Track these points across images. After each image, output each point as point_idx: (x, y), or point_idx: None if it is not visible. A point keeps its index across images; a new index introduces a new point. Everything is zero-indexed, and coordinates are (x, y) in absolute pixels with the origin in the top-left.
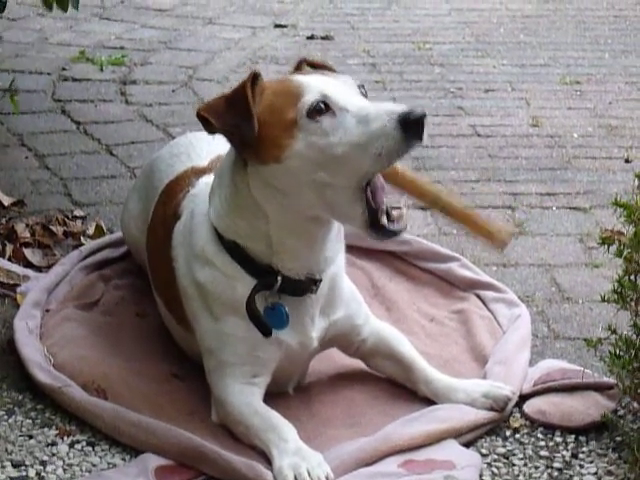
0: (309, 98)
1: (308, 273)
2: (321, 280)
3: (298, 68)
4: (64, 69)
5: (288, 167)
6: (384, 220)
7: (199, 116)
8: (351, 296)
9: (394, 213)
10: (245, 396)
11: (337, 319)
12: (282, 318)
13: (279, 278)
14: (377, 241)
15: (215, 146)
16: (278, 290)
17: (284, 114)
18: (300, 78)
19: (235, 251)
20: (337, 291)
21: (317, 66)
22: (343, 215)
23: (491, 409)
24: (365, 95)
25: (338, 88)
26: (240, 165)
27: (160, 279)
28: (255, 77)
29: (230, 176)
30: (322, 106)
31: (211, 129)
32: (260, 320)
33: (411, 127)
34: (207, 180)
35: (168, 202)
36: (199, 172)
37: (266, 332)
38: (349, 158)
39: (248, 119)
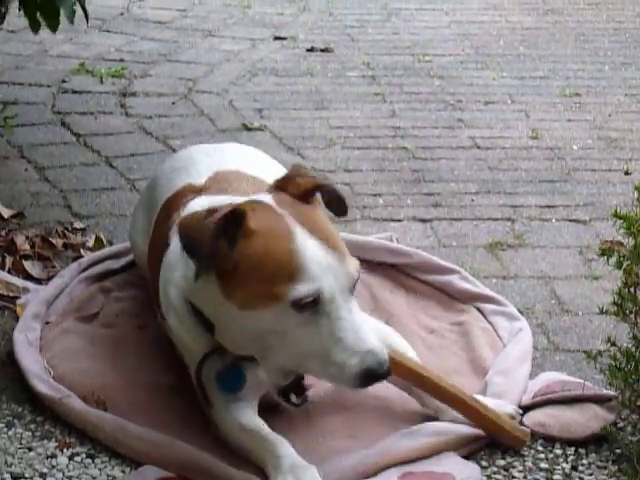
0: (302, 290)
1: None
2: None
3: (305, 195)
4: (64, 81)
5: (244, 318)
6: (293, 398)
7: (177, 226)
8: None
9: (304, 395)
10: (233, 414)
11: None
12: (238, 381)
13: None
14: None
15: (215, 161)
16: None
17: (269, 284)
18: (302, 252)
19: (195, 310)
20: None
21: (332, 199)
22: (264, 369)
23: None
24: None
25: (339, 286)
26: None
27: (156, 295)
28: (240, 214)
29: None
30: (310, 302)
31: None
32: (202, 392)
33: (368, 380)
34: (198, 204)
35: (164, 221)
36: (195, 190)
37: (207, 404)
38: (302, 355)
39: (206, 262)
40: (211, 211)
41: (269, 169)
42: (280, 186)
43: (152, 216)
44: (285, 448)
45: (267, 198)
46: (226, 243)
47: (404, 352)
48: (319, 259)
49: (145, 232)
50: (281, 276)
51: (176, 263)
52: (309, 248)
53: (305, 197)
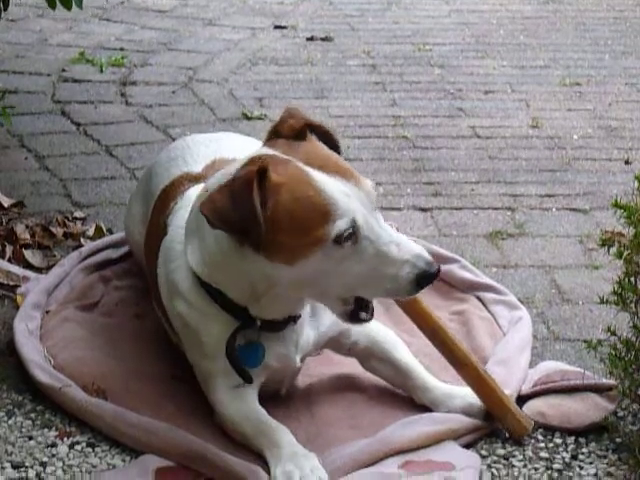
0: (340, 225)
1: (287, 315)
2: (300, 315)
3: (300, 133)
4: (64, 70)
5: (297, 272)
6: (363, 315)
7: (202, 213)
8: None
9: (370, 306)
10: (235, 402)
11: (325, 328)
12: (257, 357)
13: (258, 321)
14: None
15: (212, 150)
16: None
17: (308, 232)
18: (328, 189)
19: (213, 292)
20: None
21: (321, 132)
22: (327, 306)
23: (488, 416)
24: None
25: (365, 209)
26: (235, 243)
27: (153, 288)
28: (262, 173)
29: (215, 239)
30: (350, 233)
31: (214, 227)
32: (239, 368)
33: (424, 281)
34: (194, 192)
35: (161, 210)
36: (192, 179)
37: (246, 379)
38: (357, 283)
39: (256, 228)
40: (228, 184)
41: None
42: (274, 132)
43: (149, 206)
44: (286, 436)
45: (266, 150)
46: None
47: (394, 349)
48: (343, 191)
49: (141, 222)
50: (317, 220)
51: (179, 250)
52: (330, 184)
53: (300, 136)
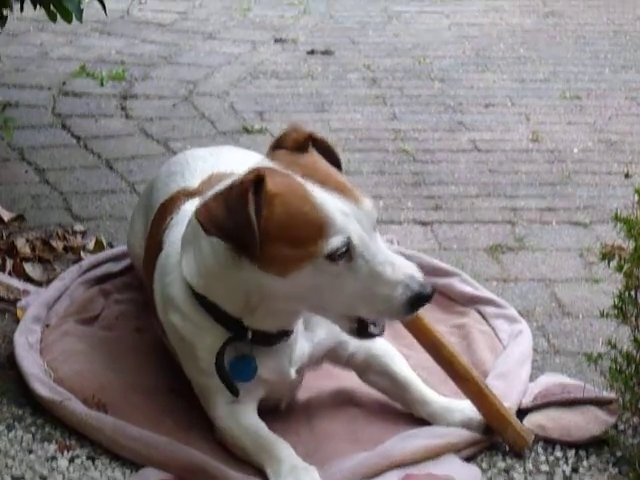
0: (334, 243)
1: (280, 329)
2: (292, 331)
3: (303, 146)
4: (64, 84)
5: (289, 285)
6: (372, 329)
7: (196, 219)
8: None
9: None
10: (234, 417)
11: (320, 340)
12: (249, 370)
13: (249, 333)
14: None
15: (209, 165)
16: (249, 341)
17: (301, 245)
18: (324, 206)
19: (206, 304)
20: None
21: (323, 148)
22: (333, 322)
23: (487, 429)
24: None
25: (363, 228)
26: (231, 253)
27: (152, 304)
28: (258, 182)
29: (212, 249)
30: (344, 251)
31: (209, 234)
32: (227, 381)
33: (417, 304)
34: (190, 207)
35: (159, 225)
36: (189, 194)
37: (233, 392)
38: (350, 301)
39: (250, 237)
40: (224, 192)
41: None
42: (277, 144)
43: (148, 221)
44: (285, 450)
45: (266, 162)
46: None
47: (392, 362)
48: (341, 209)
49: (142, 237)
50: (311, 235)
51: (174, 264)
52: (328, 201)
53: (302, 149)
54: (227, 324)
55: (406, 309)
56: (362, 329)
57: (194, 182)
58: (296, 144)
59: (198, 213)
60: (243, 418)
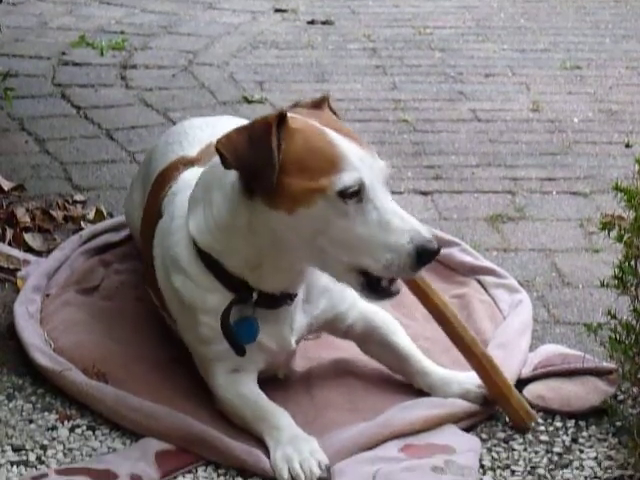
0: (347, 179)
1: (284, 290)
2: (296, 294)
3: (319, 104)
4: (64, 53)
5: (297, 222)
6: (384, 284)
7: (217, 150)
8: (330, 284)
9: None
10: (234, 386)
11: (319, 312)
12: (251, 332)
13: (254, 294)
14: (370, 301)
15: (207, 134)
16: (253, 304)
17: (315, 178)
18: (341, 145)
19: (211, 263)
20: (314, 284)
21: (333, 112)
22: (336, 277)
23: (485, 401)
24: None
25: (376, 177)
26: (243, 194)
27: (148, 272)
28: (281, 119)
29: (224, 198)
30: (355, 190)
31: (228, 166)
32: (233, 340)
33: (424, 257)
34: (189, 175)
35: (157, 194)
36: (187, 163)
37: (239, 352)
38: (356, 248)
39: (270, 166)
40: (247, 126)
41: None
42: (294, 105)
43: (146, 190)
44: (285, 419)
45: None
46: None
47: (392, 333)
48: (354, 151)
49: (140, 206)
50: (325, 168)
51: (178, 227)
52: (345, 143)
53: (318, 108)
54: (231, 285)
55: (413, 261)
56: (373, 285)
57: (192, 151)
58: (313, 103)
59: (219, 143)
60: (243, 387)
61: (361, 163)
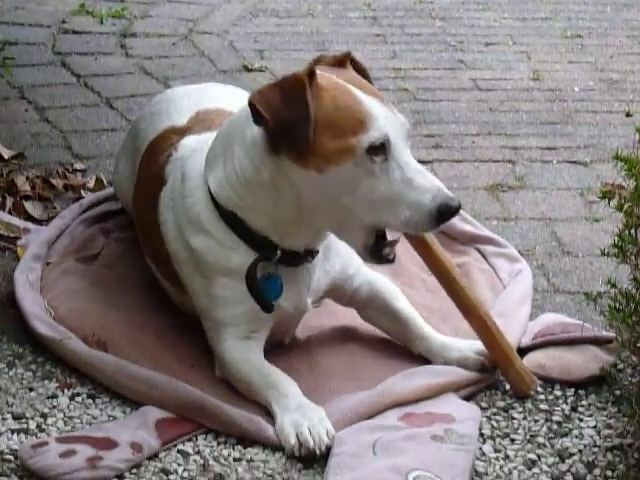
0: (375, 136)
1: (307, 246)
2: (318, 251)
3: (341, 61)
4: (64, 22)
5: (325, 181)
6: (387, 251)
7: (251, 105)
8: (343, 245)
9: (393, 241)
10: (243, 353)
11: (335, 273)
12: (276, 288)
13: (278, 251)
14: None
15: (194, 102)
16: (276, 261)
17: (344, 136)
18: (367, 103)
19: (233, 221)
20: (331, 245)
21: (358, 69)
22: (347, 237)
23: (483, 368)
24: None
25: (399, 134)
26: (268, 150)
27: (149, 243)
28: (312, 75)
29: (246, 153)
30: (381, 148)
31: (260, 121)
32: (261, 296)
33: (445, 214)
34: (189, 142)
35: (151, 164)
36: (178, 132)
37: (267, 308)
38: (379, 206)
39: (306, 122)
40: (276, 84)
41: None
42: (316, 62)
43: (135, 162)
44: (293, 387)
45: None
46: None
47: (394, 299)
48: (379, 108)
49: (129, 178)
50: (355, 127)
51: (193, 188)
52: (371, 101)
53: (340, 65)
54: (254, 243)
55: (434, 217)
56: (377, 250)
57: (182, 120)
58: (335, 60)
59: (253, 97)
60: (251, 354)
61: (386, 121)
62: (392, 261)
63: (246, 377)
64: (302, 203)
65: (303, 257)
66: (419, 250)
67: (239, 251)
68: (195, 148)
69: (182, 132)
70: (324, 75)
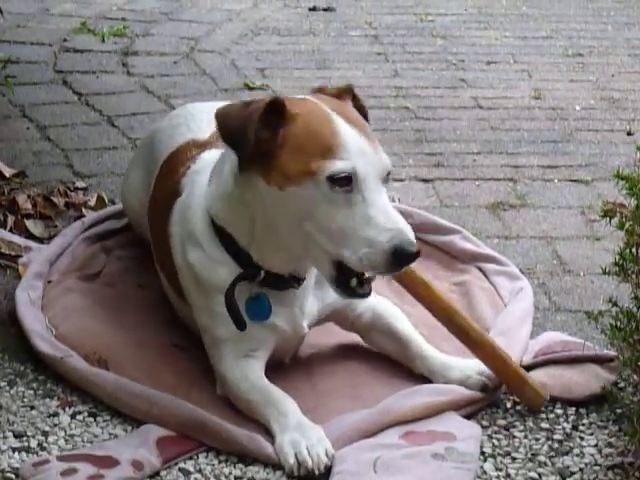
0: (339, 166)
1: (290, 272)
2: (304, 279)
3: (341, 93)
4: (65, 40)
5: (286, 200)
6: (354, 283)
7: (215, 116)
8: None
9: (365, 277)
10: (243, 371)
11: (331, 300)
12: (264, 309)
13: (262, 272)
14: (340, 297)
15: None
16: (261, 283)
17: (309, 160)
18: (344, 133)
19: (224, 237)
20: None
21: (357, 105)
22: (314, 264)
23: (484, 388)
24: (386, 181)
25: (371, 170)
26: (238, 164)
27: (161, 253)
28: (278, 103)
29: (230, 169)
30: (345, 179)
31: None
32: (235, 313)
33: (400, 257)
34: (208, 156)
35: (169, 176)
36: (200, 145)
37: (240, 326)
38: (337, 237)
39: (245, 139)
40: (247, 103)
41: None
42: (317, 90)
43: (151, 174)
44: (292, 406)
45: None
46: (268, 131)
47: (395, 320)
48: (355, 141)
49: (143, 190)
50: (319, 152)
51: (196, 202)
52: (346, 130)
53: (340, 97)
54: (240, 260)
55: (388, 260)
56: (343, 282)
57: (202, 134)
58: (336, 92)
59: (215, 114)
60: (252, 373)
61: (359, 154)
62: (364, 296)
63: (245, 395)
64: (270, 222)
65: (288, 282)
66: (408, 288)
67: (226, 266)
68: (210, 163)
69: (203, 146)
70: (303, 102)
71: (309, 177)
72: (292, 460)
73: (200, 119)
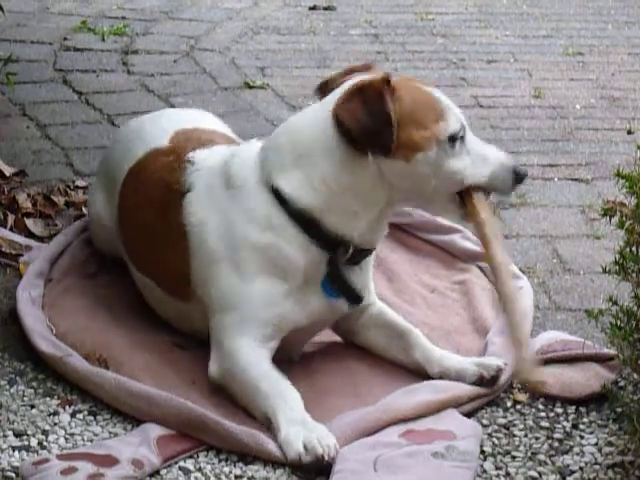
0: (454, 125)
1: (377, 243)
2: (374, 249)
3: (368, 67)
4: (65, 39)
5: (414, 168)
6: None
7: (336, 117)
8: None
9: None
10: (257, 358)
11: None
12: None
13: (350, 250)
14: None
15: (165, 125)
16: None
17: (427, 126)
18: (436, 95)
19: (306, 222)
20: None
21: None
22: (440, 211)
23: (482, 379)
24: None
25: (466, 122)
26: (354, 154)
27: (154, 254)
28: (387, 81)
29: (332, 160)
30: (460, 135)
31: (345, 131)
32: (349, 287)
33: (519, 175)
34: (203, 155)
35: (147, 183)
36: (164, 153)
37: (356, 299)
38: (463, 175)
39: (389, 128)
40: (355, 95)
41: (212, 122)
42: (349, 71)
43: (113, 192)
44: (299, 403)
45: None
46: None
47: (393, 315)
48: (448, 101)
49: (108, 202)
50: (434, 117)
51: (250, 192)
52: (438, 93)
53: (367, 69)
54: (326, 243)
55: (513, 175)
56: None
57: (160, 142)
58: (364, 67)
59: (338, 113)
60: (264, 360)
61: (457, 110)
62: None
63: (254, 381)
64: (390, 194)
65: (365, 255)
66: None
67: (304, 249)
68: (222, 159)
69: (168, 153)
70: (396, 76)
71: (433, 141)
72: (300, 447)
73: (149, 131)
